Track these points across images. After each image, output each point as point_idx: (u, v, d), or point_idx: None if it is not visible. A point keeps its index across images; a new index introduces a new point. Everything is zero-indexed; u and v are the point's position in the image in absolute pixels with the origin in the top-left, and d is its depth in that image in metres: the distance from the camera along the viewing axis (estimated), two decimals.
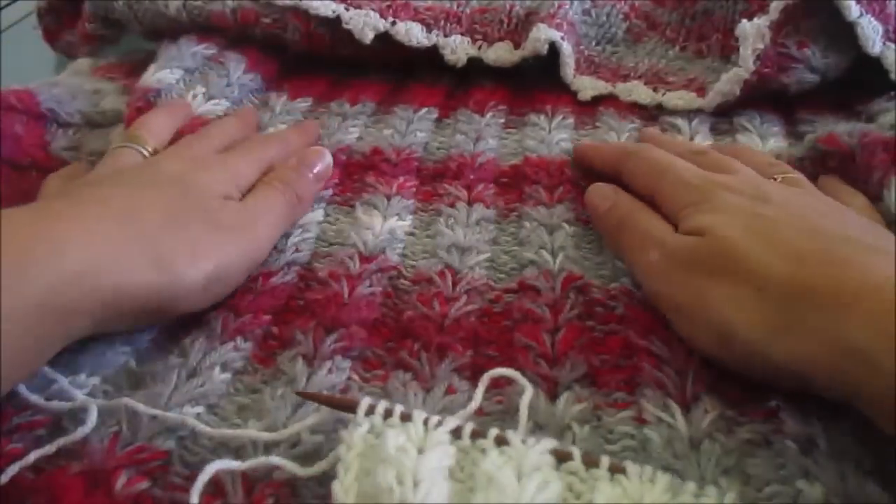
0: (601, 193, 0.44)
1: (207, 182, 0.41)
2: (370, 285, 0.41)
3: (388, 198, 0.47)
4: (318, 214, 0.46)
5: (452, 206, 0.47)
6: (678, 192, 0.39)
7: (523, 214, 0.46)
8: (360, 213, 0.46)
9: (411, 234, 0.45)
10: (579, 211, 0.46)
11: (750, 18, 0.48)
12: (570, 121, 0.53)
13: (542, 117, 0.54)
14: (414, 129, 0.53)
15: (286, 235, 0.44)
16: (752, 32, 0.47)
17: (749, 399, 0.34)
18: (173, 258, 0.36)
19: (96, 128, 0.50)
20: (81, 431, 0.32)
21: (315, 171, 0.46)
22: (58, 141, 0.48)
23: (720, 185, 0.38)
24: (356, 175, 0.50)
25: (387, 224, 0.45)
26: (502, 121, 0.54)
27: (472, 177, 0.49)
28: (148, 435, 0.33)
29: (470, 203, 0.47)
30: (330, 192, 0.48)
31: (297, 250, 0.44)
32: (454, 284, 0.41)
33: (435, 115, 0.55)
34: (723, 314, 0.33)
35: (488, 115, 0.55)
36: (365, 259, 0.43)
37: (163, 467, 0.32)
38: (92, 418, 0.33)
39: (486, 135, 0.53)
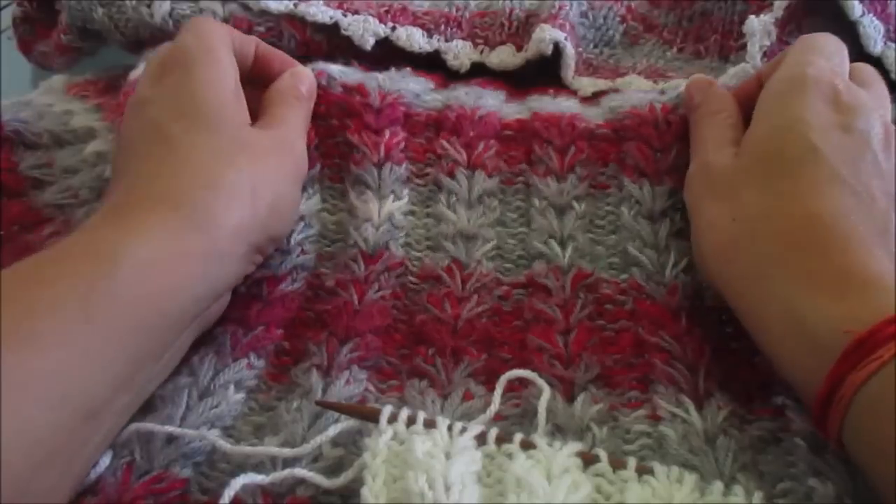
0: (697, 86, 0.43)
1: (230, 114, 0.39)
2: (378, 289, 0.40)
3: (379, 167, 0.43)
4: (315, 202, 0.44)
5: (451, 175, 0.43)
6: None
7: (531, 186, 0.43)
8: (354, 198, 0.43)
9: (410, 212, 0.43)
10: (593, 175, 0.43)
11: None
12: (575, 100, 0.49)
13: (546, 97, 0.50)
14: (407, 80, 0.48)
15: (289, 233, 0.42)
16: (760, 29, 0.48)
17: (755, 396, 0.35)
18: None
19: (66, 146, 0.49)
20: (94, 473, 0.31)
21: (306, 89, 0.44)
22: (26, 161, 0.47)
23: None
24: (338, 126, 0.45)
25: (384, 209, 0.42)
26: (503, 95, 0.50)
27: (471, 133, 0.44)
28: (164, 462, 0.32)
29: (470, 167, 0.44)
30: (318, 167, 0.44)
31: (302, 252, 0.42)
32: (463, 282, 0.41)
33: (432, 85, 0.50)
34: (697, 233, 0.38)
35: (490, 88, 0.50)
36: (369, 259, 0.41)
37: (182, 496, 0.31)
38: (104, 462, 0.32)
39: (487, 97, 0.47)
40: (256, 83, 0.43)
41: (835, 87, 0.37)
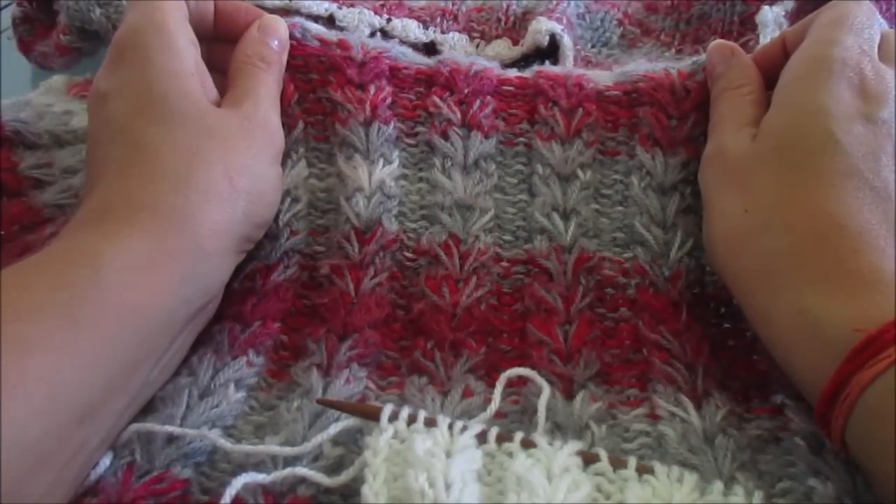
0: (721, 52, 0.40)
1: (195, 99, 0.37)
2: (374, 274, 0.39)
3: (366, 127, 0.40)
4: (301, 168, 0.41)
5: (445, 135, 0.41)
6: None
7: (533, 149, 0.41)
8: (342, 162, 0.41)
9: (402, 177, 0.41)
10: (601, 140, 0.41)
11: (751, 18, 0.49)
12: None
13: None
14: (393, 44, 0.44)
15: (276, 213, 0.40)
16: (771, 20, 0.48)
17: (753, 395, 0.35)
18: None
19: (66, 146, 0.48)
20: (94, 474, 0.31)
21: (277, 43, 0.41)
22: (26, 161, 0.46)
23: None
24: (318, 80, 0.41)
25: (374, 176, 0.40)
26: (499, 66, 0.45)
27: (466, 89, 0.41)
28: (165, 462, 0.32)
29: (466, 126, 0.41)
30: (301, 125, 0.42)
31: (292, 232, 0.40)
32: (461, 261, 0.40)
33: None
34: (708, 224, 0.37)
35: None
36: (363, 237, 0.40)
37: (183, 496, 0.31)
38: (105, 462, 0.32)
39: (482, 60, 0.44)
40: (226, 40, 0.41)
41: (861, 73, 0.35)
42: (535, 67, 0.43)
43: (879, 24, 0.37)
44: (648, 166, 0.40)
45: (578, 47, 0.56)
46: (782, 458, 0.32)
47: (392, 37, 0.54)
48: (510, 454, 0.29)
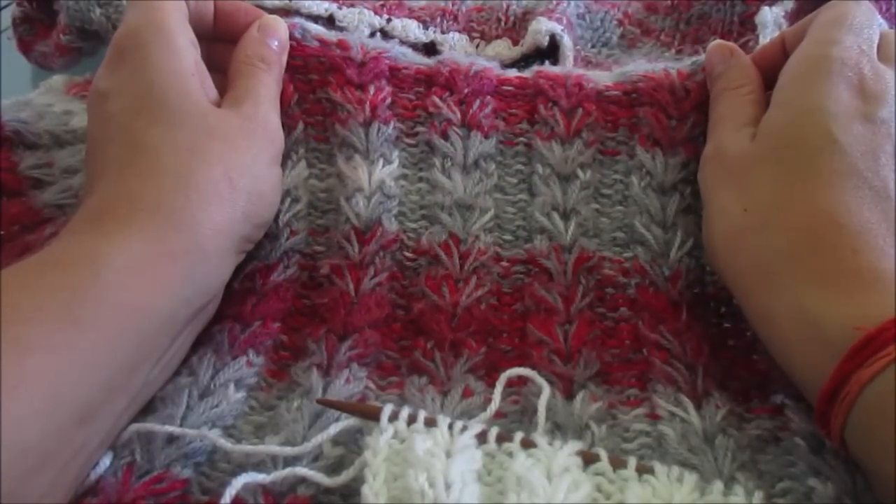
0: (720, 53, 0.40)
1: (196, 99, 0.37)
2: (374, 274, 0.39)
3: (365, 127, 0.41)
4: (301, 169, 0.41)
5: (445, 135, 0.41)
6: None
7: (533, 148, 0.41)
8: (342, 163, 0.41)
9: (402, 177, 0.41)
10: (601, 140, 0.41)
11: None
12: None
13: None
14: (393, 44, 0.44)
15: (276, 213, 0.40)
16: (771, 21, 0.48)
17: (753, 395, 0.35)
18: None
19: (66, 146, 0.48)
20: (94, 474, 0.31)
21: (277, 43, 0.41)
22: (26, 161, 0.46)
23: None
24: (318, 81, 0.42)
25: (374, 176, 0.40)
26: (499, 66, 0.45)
27: (466, 89, 0.41)
28: (165, 462, 0.32)
29: (466, 126, 0.41)
30: (302, 126, 0.42)
31: (292, 232, 0.41)
32: (461, 261, 0.40)
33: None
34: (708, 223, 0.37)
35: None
36: (363, 238, 0.40)
37: (183, 496, 0.31)
38: (105, 462, 0.32)
39: (482, 60, 0.44)
40: (226, 40, 0.41)
41: (860, 72, 0.35)
42: (535, 67, 0.43)
43: (879, 24, 0.37)
44: (648, 166, 0.40)
45: (578, 47, 0.56)
46: (782, 458, 0.32)
47: (392, 37, 0.54)
48: (510, 454, 0.29)
